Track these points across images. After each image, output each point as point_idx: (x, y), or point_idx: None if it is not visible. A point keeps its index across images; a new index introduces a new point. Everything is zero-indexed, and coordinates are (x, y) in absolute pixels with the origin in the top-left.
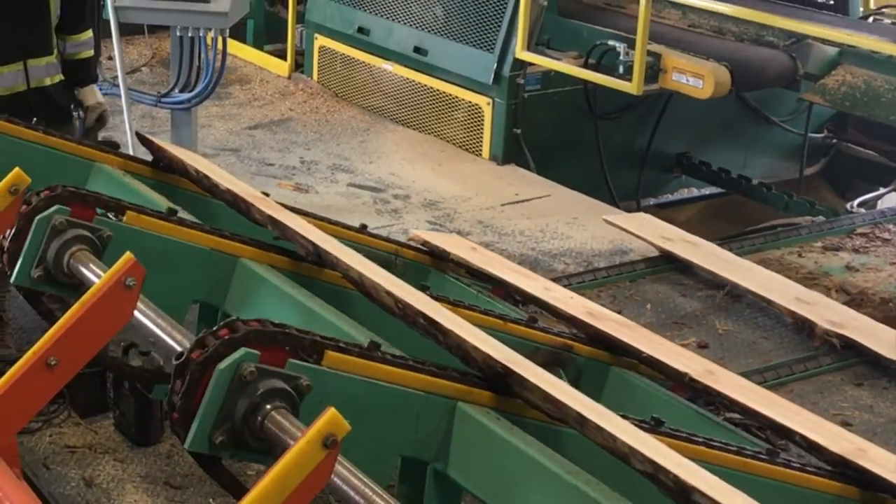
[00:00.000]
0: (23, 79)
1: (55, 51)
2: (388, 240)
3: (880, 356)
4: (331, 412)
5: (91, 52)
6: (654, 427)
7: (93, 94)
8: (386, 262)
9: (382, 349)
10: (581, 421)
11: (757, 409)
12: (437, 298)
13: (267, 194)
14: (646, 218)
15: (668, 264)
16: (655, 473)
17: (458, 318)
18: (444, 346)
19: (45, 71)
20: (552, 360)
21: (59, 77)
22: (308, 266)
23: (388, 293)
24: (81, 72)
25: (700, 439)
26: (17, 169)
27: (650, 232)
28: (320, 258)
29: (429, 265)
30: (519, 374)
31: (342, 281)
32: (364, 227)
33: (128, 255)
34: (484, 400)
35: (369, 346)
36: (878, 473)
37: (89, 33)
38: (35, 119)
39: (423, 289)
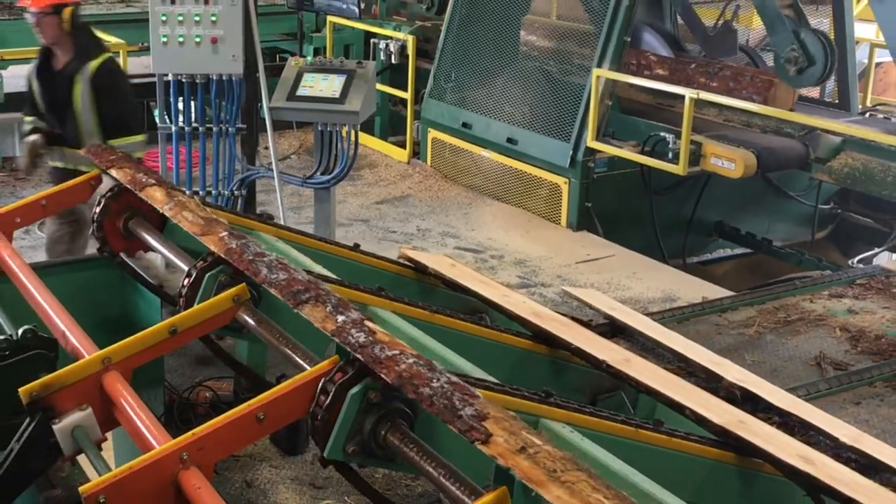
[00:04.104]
0: (66, 159)
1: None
2: (378, 257)
3: (773, 405)
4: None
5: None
6: (543, 399)
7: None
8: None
9: (479, 377)
10: None
11: (658, 389)
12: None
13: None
14: (597, 293)
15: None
16: None
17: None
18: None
19: (83, 159)
20: (614, 387)
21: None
22: (421, 311)
23: None
24: None
25: (588, 410)
26: (244, 284)
27: (601, 303)
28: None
29: (412, 278)
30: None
31: (448, 322)
32: (357, 245)
33: (334, 357)
34: (560, 416)
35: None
36: (752, 441)
37: (129, 139)
38: None
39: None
